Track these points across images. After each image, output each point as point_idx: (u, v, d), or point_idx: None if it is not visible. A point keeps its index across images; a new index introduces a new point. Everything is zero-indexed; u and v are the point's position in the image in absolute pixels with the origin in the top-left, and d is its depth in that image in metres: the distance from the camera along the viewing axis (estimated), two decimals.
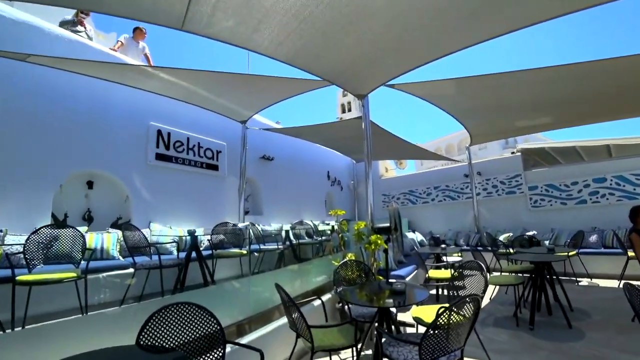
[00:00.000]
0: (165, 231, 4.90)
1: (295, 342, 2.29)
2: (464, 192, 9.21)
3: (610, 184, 7.14)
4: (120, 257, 4.05)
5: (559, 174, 7.83)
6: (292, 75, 4.68)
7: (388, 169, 12.60)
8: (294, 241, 6.14)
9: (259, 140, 7.65)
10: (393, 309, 2.90)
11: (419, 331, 3.02)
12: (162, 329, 1.64)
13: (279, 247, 5.26)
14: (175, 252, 4.65)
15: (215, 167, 6.47)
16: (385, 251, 3.90)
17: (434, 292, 4.95)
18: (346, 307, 3.24)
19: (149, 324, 1.60)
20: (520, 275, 4.55)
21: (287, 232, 5.77)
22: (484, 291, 2.71)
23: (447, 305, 1.87)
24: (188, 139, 6.03)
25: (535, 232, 7.41)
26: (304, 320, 2.04)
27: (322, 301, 2.88)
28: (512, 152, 8.82)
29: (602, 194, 7.22)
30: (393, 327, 2.68)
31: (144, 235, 3.88)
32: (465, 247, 7.88)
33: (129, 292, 3.55)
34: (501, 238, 7.70)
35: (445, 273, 4.74)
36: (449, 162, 10.56)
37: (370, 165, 4.97)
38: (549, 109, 5.90)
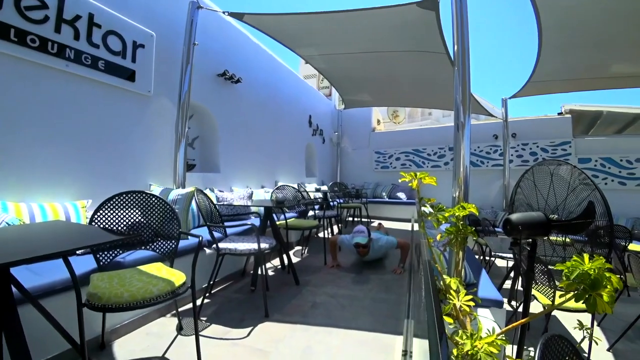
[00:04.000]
0: None
1: None
2: (491, 157, 7.13)
3: None
4: None
5: (619, 147, 6.04)
6: None
7: (380, 121, 10.06)
8: (279, 220, 3.46)
9: (217, 43, 4.46)
10: None
11: None
12: None
13: (260, 246, 2.53)
14: None
15: (128, 75, 3.24)
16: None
17: None
18: None
19: None
20: None
21: (267, 210, 3.08)
22: None
23: None
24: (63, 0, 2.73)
25: None
26: None
27: None
28: (560, 113, 6.79)
29: None
30: None
31: None
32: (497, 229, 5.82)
33: None
34: None
35: None
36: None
37: (468, 109, 2.18)
38: None
